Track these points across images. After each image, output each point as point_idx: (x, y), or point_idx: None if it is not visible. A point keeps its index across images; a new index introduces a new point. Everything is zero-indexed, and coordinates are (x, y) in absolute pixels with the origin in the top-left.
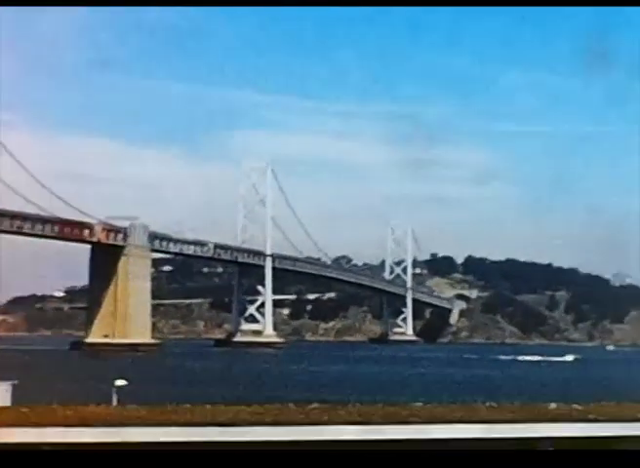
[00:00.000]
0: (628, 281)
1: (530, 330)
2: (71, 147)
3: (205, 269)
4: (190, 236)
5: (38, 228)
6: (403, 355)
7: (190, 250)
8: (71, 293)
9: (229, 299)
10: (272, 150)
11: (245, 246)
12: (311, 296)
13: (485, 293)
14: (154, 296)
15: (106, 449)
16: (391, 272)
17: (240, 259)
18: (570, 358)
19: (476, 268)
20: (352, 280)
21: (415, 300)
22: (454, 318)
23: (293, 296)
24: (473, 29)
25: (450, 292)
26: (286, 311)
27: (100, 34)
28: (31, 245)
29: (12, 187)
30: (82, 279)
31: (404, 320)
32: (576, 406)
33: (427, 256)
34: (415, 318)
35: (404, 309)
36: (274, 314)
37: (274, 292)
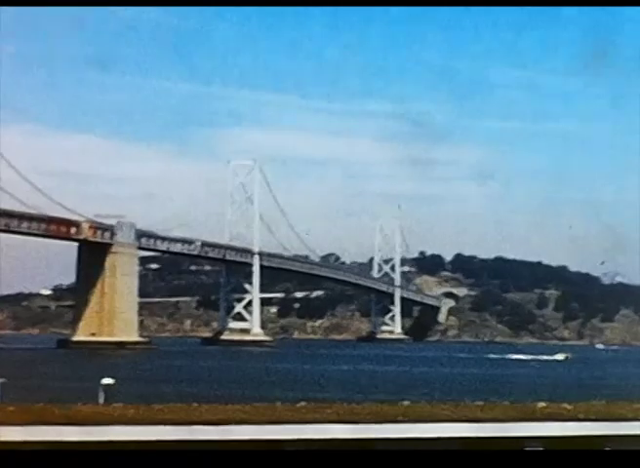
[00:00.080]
0: (618, 279)
1: (519, 328)
2: (58, 145)
3: (192, 267)
4: (178, 234)
5: (25, 226)
6: (391, 353)
7: (177, 247)
8: (58, 292)
9: (217, 297)
10: (261, 148)
11: (233, 243)
12: (299, 294)
13: (474, 292)
14: (141, 294)
15: (93, 448)
16: (379, 270)
17: (228, 257)
18: (560, 357)
19: (465, 266)
20: (340, 278)
21: (403, 298)
22: (442, 316)
23: (280, 294)
24: (472, 29)
25: (438, 291)
26: (274, 309)
27: (92, 31)
28: (18, 242)
29: None
30: (69, 277)
31: (392, 318)
32: (565, 405)
33: (416, 254)
34: (403, 316)
35: (392, 307)
36: (262, 312)
37: (262, 290)
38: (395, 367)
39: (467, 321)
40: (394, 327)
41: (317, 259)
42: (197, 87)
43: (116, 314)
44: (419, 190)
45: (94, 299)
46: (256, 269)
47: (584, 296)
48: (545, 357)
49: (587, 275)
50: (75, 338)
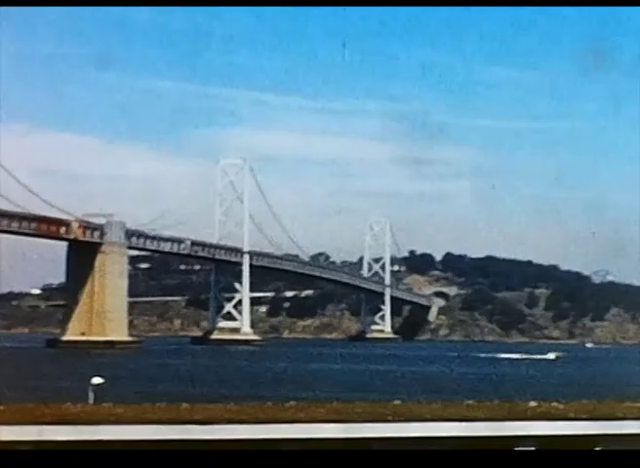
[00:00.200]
0: (609, 278)
1: (509, 327)
2: (47, 143)
3: (182, 266)
4: (167, 233)
5: (14, 225)
6: (381, 353)
7: (167, 247)
8: (48, 291)
9: (207, 297)
10: (251, 147)
11: (222, 243)
12: (289, 294)
13: (464, 291)
14: (131, 294)
15: (82, 448)
16: (369, 269)
17: (217, 256)
18: (552, 356)
19: (455, 265)
20: (330, 277)
21: (393, 298)
22: (432, 315)
23: (270, 294)
24: (470, 28)
25: (428, 290)
26: (263, 308)
27: (90, 30)
28: (7, 242)
29: None
30: (59, 276)
31: (382, 317)
32: (556, 404)
33: (406, 254)
34: (393, 315)
35: (382, 306)
36: (252, 311)
37: (252, 289)
38: (385, 366)
39: (458, 320)
40: (384, 326)
41: (307, 259)
42: (193, 87)
43: (106, 313)
44: (408, 189)
45: (83, 299)
46: (245, 268)
47: (575, 295)
48: (537, 356)
49: (578, 274)
50: (65, 338)
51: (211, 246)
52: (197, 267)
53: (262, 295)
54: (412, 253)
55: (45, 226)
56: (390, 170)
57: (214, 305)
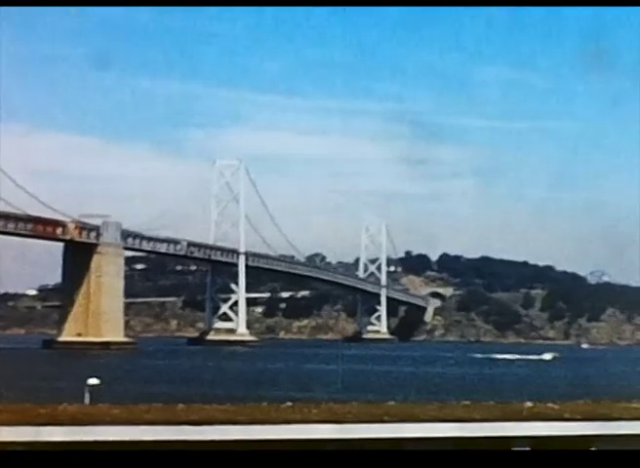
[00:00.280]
0: (605, 279)
1: (505, 328)
2: (47, 143)
3: (178, 267)
4: (163, 234)
5: (11, 226)
6: (377, 353)
7: (163, 247)
8: (44, 292)
9: (203, 297)
10: (251, 147)
11: (218, 244)
12: (285, 294)
13: (460, 291)
14: (127, 294)
15: (79, 448)
16: (365, 270)
17: (213, 257)
18: (548, 356)
19: (451, 266)
20: (326, 278)
21: (389, 298)
22: (428, 316)
23: (266, 294)
24: (470, 28)
25: (424, 290)
26: (259, 309)
27: (89, 31)
28: (3, 243)
29: None
30: (55, 277)
31: (378, 318)
32: (551, 404)
33: (402, 254)
34: (389, 316)
35: (378, 307)
36: (248, 312)
37: (248, 290)
38: (381, 366)
39: (453, 321)
40: (380, 326)
41: (303, 259)
42: (193, 87)
43: (102, 314)
44: (407, 189)
45: (79, 300)
46: (241, 269)
47: (571, 296)
48: (533, 356)
49: (574, 275)
50: (61, 339)
51: (207, 247)
52: (193, 268)
53: (258, 296)
54: (408, 253)
55: (41, 227)
56: (389, 170)
57: (210, 306)
